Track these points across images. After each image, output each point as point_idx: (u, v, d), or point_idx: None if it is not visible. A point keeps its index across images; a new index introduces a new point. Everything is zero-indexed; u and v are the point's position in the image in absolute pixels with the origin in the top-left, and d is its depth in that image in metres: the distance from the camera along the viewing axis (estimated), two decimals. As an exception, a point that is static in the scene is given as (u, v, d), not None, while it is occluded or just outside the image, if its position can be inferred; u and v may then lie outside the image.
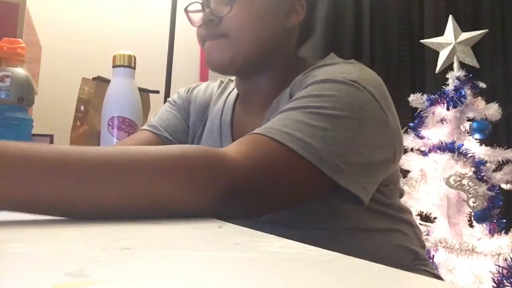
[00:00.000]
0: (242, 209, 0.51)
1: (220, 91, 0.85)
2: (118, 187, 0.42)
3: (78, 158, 0.41)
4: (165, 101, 2.00)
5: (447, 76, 1.75)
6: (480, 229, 1.58)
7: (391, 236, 0.72)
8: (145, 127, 0.83)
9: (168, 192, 0.43)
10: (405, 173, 1.68)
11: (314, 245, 0.27)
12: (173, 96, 0.90)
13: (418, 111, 1.75)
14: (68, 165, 0.40)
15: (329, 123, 0.56)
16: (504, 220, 1.58)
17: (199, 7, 0.76)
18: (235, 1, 0.70)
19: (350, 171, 0.56)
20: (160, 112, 0.86)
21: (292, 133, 0.54)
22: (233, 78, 0.85)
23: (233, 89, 0.83)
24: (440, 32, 1.91)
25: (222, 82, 0.88)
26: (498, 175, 1.60)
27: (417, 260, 0.75)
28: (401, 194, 0.79)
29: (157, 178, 0.43)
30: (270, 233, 0.32)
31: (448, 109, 1.68)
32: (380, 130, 0.62)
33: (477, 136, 1.67)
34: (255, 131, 0.56)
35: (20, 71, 0.88)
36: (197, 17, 0.76)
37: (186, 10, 0.78)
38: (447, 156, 1.60)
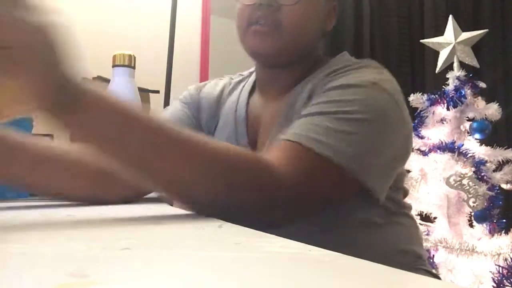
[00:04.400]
0: (284, 215, 0.54)
1: (232, 86, 0.84)
2: (200, 170, 0.47)
3: (176, 135, 0.46)
4: (165, 101, 1.97)
5: (447, 76, 1.75)
6: (480, 229, 1.58)
7: (392, 229, 0.72)
8: None
9: (227, 191, 0.49)
10: (405, 173, 1.68)
11: (319, 242, 0.27)
12: (184, 94, 0.88)
13: (418, 111, 1.75)
14: (166, 137, 0.45)
15: (354, 127, 0.59)
16: (504, 220, 1.58)
17: None
18: None
19: (375, 173, 0.59)
20: (172, 111, 0.84)
21: (325, 142, 0.57)
22: (244, 73, 0.85)
23: (245, 84, 0.83)
24: (440, 32, 1.91)
25: (231, 78, 0.87)
26: (498, 175, 1.60)
27: (419, 258, 0.75)
28: (406, 193, 0.79)
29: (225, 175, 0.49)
30: (279, 232, 0.32)
31: (448, 109, 1.68)
32: (399, 130, 0.65)
33: (477, 136, 1.67)
34: (289, 138, 0.57)
35: (20, 71, 0.87)
36: None
37: None
38: (447, 156, 1.61)
